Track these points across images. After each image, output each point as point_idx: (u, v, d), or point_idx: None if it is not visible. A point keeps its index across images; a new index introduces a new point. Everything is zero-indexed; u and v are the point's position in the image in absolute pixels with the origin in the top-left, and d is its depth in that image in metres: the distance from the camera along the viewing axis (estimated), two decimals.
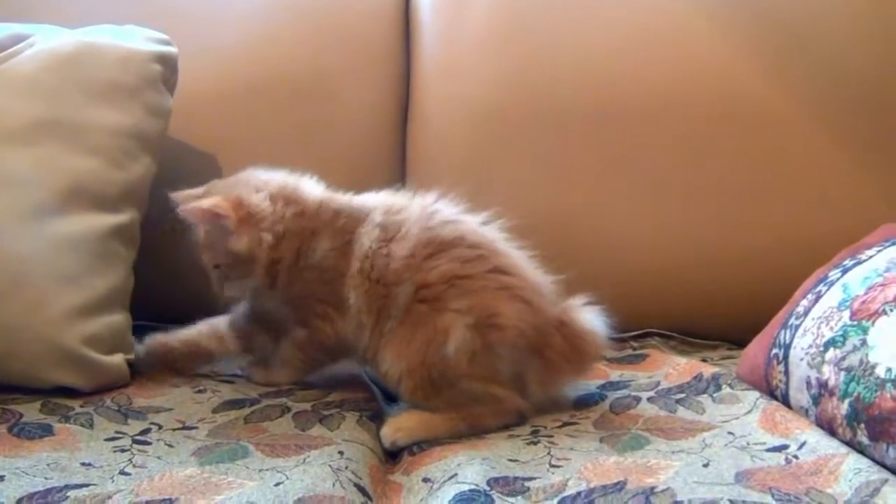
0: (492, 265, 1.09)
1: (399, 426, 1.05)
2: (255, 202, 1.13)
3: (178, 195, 1.15)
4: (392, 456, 1.03)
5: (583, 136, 1.45)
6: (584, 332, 1.10)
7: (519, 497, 0.86)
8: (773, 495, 0.84)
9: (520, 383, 1.08)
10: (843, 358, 0.98)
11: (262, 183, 1.17)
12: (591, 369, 1.17)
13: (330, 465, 0.90)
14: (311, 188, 1.19)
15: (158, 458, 0.95)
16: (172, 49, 1.35)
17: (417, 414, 1.07)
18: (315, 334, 1.15)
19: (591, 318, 1.11)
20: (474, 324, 1.04)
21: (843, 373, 0.97)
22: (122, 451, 0.96)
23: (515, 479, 0.90)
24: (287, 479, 0.87)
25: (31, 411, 1.06)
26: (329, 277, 1.12)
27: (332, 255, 1.13)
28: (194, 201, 1.13)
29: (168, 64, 1.33)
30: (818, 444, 0.93)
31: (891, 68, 1.45)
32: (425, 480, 0.92)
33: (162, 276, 1.36)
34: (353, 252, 1.12)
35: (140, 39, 1.32)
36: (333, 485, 0.87)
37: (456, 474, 0.90)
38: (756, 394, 1.09)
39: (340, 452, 0.94)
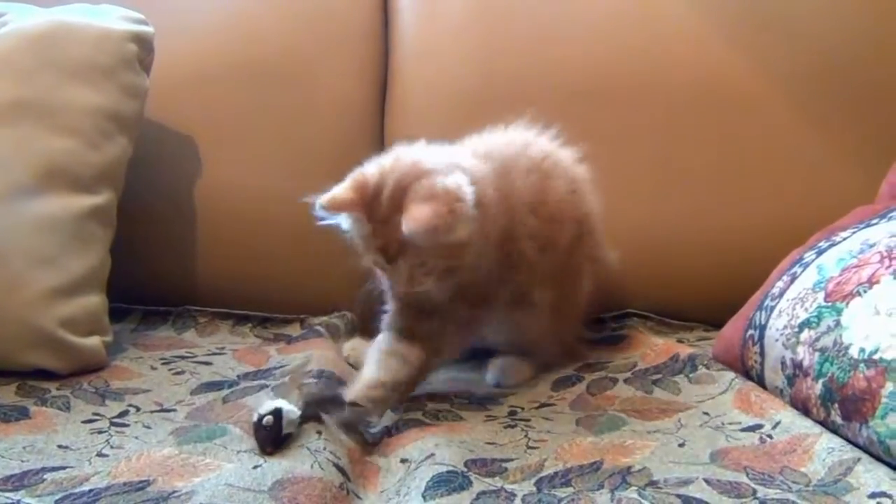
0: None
1: (503, 369, 1.17)
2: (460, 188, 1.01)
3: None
4: (371, 437, 1.03)
5: (560, 119, 1.44)
6: None
7: (497, 477, 0.87)
8: (747, 474, 0.85)
9: None
10: (818, 339, 0.99)
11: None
12: None
13: (308, 448, 0.90)
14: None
15: (136, 438, 0.95)
16: (148, 29, 1.33)
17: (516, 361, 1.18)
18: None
19: None
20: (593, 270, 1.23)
21: (817, 353, 0.98)
22: (100, 432, 0.96)
23: (493, 460, 0.90)
24: (265, 460, 0.88)
25: (7, 394, 1.06)
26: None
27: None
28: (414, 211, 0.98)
29: (144, 44, 1.32)
30: (792, 423, 0.94)
31: (869, 52, 1.46)
32: (403, 461, 0.93)
33: (139, 258, 1.36)
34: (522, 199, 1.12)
35: (115, 19, 1.31)
36: (312, 466, 0.87)
37: (433, 454, 0.90)
38: (731, 374, 1.10)
39: (318, 433, 0.94)
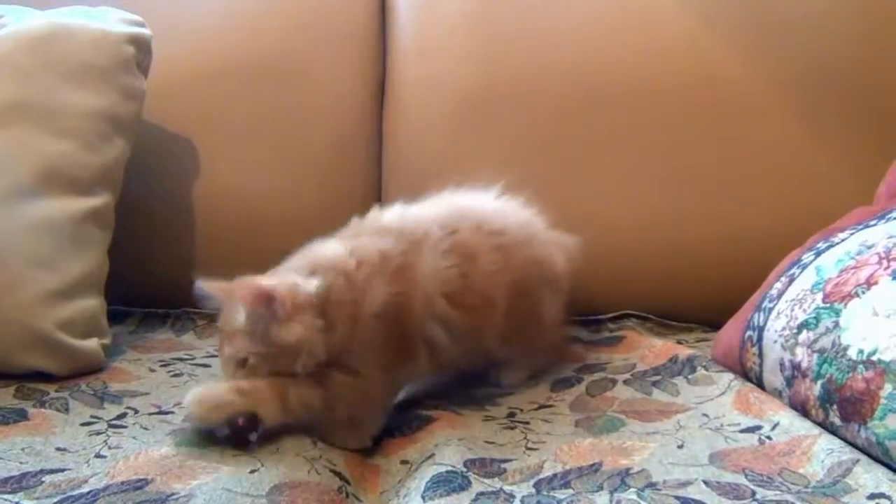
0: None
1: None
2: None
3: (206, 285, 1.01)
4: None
5: (558, 120, 1.45)
6: None
7: (496, 478, 0.87)
8: (746, 476, 0.85)
9: None
10: (816, 340, 0.99)
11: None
12: None
13: (304, 456, 0.90)
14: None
15: (134, 438, 0.95)
16: (146, 31, 1.33)
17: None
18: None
19: None
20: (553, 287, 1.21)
21: (815, 355, 0.98)
22: (98, 434, 0.96)
23: (492, 460, 0.90)
24: (262, 465, 0.87)
25: (5, 396, 1.05)
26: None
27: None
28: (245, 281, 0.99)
29: (141, 46, 1.32)
30: (791, 425, 0.94)
31: (866, 53, 1.46)
32: (403, 462, 0.93)
33: (137, 260, 1.35)
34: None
35: (113, 21, 1.31)
36: (309, 472, 0.87)
37: (433, 454, 0.90)
38: (730, 376, 1.10)
39: (314, 442, 0.94)
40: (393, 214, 1.12)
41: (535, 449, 0.94)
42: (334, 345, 0.98)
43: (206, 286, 1.00)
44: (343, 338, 0.98)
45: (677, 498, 0.81)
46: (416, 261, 1.05)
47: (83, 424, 0.99)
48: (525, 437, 0.97)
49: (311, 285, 0.98)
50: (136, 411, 1.04)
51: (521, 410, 1.06)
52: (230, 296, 0.98)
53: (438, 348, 1.06)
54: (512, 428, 1.01)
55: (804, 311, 1.03)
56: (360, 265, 1.01)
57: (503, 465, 0.89)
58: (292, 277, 0.99)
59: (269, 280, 0.99)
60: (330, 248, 1.05)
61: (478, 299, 1.07)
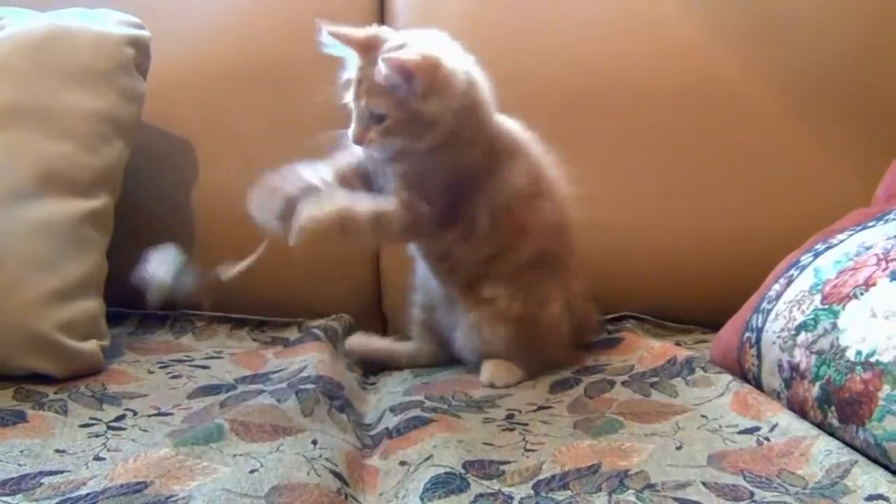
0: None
1: (499, 373, 1.18)
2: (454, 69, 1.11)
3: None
4: (371, 440, 1.03)
5: (556, 123, 1.44)
6: None
7: (494, 480, 0.87)
8: (745, 477, 0.85)
9: None
10: (815, 341, 0.99)
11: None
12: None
13: (304, 456, 0.90)
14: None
15: (133, 440, 0.95)
16: (145, 33, 1.34)
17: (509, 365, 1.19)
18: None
19: None
20: (566, 302, 1.22)
21: (814, 356, 0.98)
22: (97, 436, 0.96)
23: (491, 462, 0.90)
24: (262, 466, 0.87)
25: (3, 398, 1.06)
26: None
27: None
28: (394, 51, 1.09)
29: (141, 48, 1.32)
30: (789, 426, 0.94)
31: (865, 53, 1.46)
32: (402, 464, 0.93)
33: (136, 262, 1.35)
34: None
35: (112, 23, 1.31)
36: (308, 473, 0.86)
37: (432, 456, 0.90)
38: (729, 377, 1.10)
39: (314, 442, 0.94)
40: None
41: (533, 450, 0.94)
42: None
43: (338, 32, 1.12)
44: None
45: (676, 499, 0.81)
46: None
47: (82, 426, 0.99)
48: (524, 439, 0.97)
49: (460, 72, 1.11)
50: (135, 413, 1.04)
51: (520, 412, 1.06)
52: (372, 48, 1.10)
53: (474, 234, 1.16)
54: (511, 430, 1.01)
55: (802, 312, 1.03)
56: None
57: (502, 467, 0.89)
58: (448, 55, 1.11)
59: (416, 56, 1.06)
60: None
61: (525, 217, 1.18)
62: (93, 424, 1.00)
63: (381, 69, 1.05)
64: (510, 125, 1.20)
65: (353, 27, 1.13)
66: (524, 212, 1.16)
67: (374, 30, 1.13)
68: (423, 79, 1.06)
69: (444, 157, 1.12)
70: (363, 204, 1.11)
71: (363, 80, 1.10)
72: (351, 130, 1.13)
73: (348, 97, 1.12)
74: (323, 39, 1.12)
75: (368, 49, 1.10)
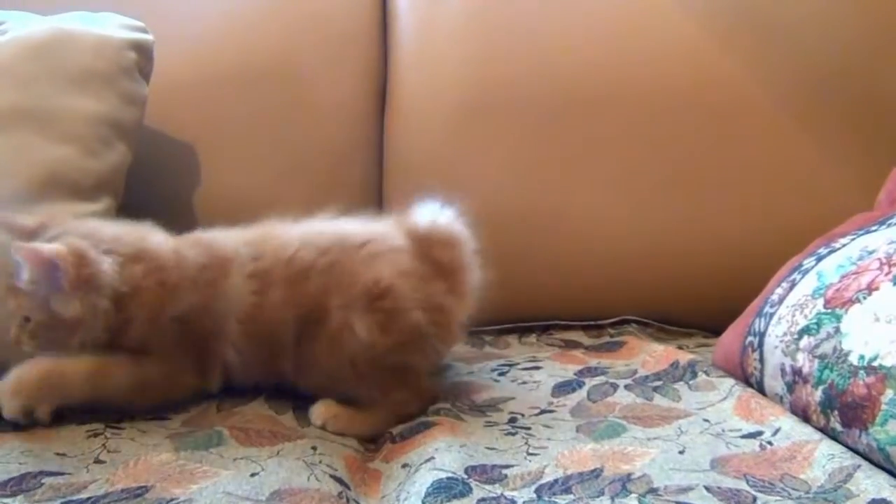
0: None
1: (335, 413, 1.04)
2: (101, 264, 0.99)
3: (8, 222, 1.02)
4: (371, 442, 1.03)
5: (558, 125, 1.45)
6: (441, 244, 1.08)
7: (496, 485, 0.86)
8: (747, 481, 0.85)
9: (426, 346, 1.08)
10: (817, 345, 0.99)
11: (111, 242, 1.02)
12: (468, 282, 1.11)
13: (304, 461, 0.90)
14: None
15: (132, 439, 0.95)
16: (148, 36, 1.33)
17: (350, 410, 1.05)
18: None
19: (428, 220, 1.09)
20: (366, 306, 1.03)
21: (816, 360, 0.98)
22: (96, 435, 0.96)
23: (493, 466, 0.90)
24: (262, 469, 0.87)
25: None
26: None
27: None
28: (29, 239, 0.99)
29: (143, 51, 1.32)
30: (792, 430, 0.94)
31: (864, 57, 1.46)
32: (404, 466, 0.92)
33: None
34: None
35: (115, 27, 1.31)
36: (308, 478, 0.86)
37: (433, 458, 0.90)
38: (731, 381, 1.10)
39: (314, 448, 0.94)
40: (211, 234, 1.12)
41: (536, 454, 0.94)
42: (128, 334, 1.00)
43: (9, 222, 1.01)
44: (139, 329, 1.00)
45: (678, 503, 0.80)
46: (223, 279, 1.05)
47: (80, 424, 0.99)
48: (526, 443, 0.97)
49: (107, 264, 0.98)
50: (132, 417, 1.03)
51: (523, 416, 1.06)
52: (18, 251, 0.96)
53: (231, 367, 1.06)
54: (513, 434, 1.00)
55: (805, 316, 1.03)
56: (179, 266, 1.04)
57: (504, 472, 0.89)
58: (92, 249, 0.98)
59: (60, 246, 0.96)
60: (158, 237, 1.07)
61: (266, 328, 1.05)
62: (93, 425, 0.99)
63: (22, 266, 0.95)
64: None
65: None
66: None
67: (46, 217, 1.03)
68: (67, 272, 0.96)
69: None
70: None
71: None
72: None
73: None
74: None
75: (32, 238, 1.00)
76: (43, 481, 0.85)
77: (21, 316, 0.99)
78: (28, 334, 0.99)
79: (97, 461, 0.90)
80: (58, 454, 0.92)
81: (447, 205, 1.10)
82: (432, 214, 1.10)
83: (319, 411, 1.04)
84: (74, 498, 0.82)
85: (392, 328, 1.03)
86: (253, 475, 0.86)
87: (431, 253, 1.08)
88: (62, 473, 0.87)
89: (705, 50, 1.46)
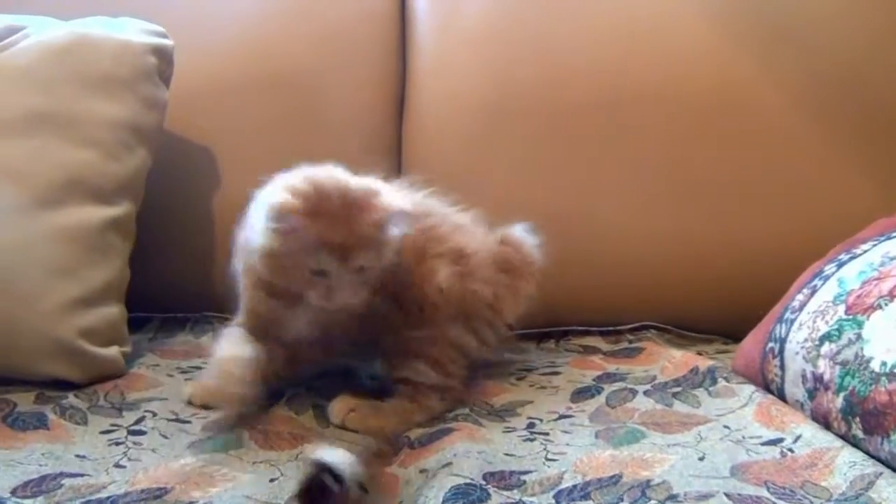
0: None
1: (353, 406, 1.06)
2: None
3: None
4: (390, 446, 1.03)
5: (577, 131, 1.45)
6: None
7: (515, 490, 0.86)
8: (768, 489, 0.85)
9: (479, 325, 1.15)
10: (839, 352, 0.98)
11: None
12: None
13: None
14: None
15: (153, 450, 0.95)
16: (168, 41, 1.34)
17: (369, 405, 1.07)
18: None
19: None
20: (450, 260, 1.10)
21: (838, 367, 0.97)
22: (117, 444, 0.96)
23: (511, 473, 0.90)
24: (282, 474, 0.87)
25: (25, 402, 1.06)
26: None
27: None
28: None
29: (164, 56, 1.33)
30: (813, 437, 0.94)
31: (884, 60, 1.45)
32: (422, 471, 0.92)
33: (158, 268, 1.36)
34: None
35: (135, 31, 1.32)
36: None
37: (451, 463, 0.90)
38: (751, 387, 1.09)
39: None
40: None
41: (554, 460, 0.94)
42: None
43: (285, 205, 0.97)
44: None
45: None
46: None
47: (102, 433, 0.99)
48: (545, 448, 0.97)
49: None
50: (155, 414, 1.04)
51: (541, 421, 1.06)
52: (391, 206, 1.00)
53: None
54: (531, 440, 1.00)
55: (826, 322, 1.02)
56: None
57: (522, 478, 0.89)
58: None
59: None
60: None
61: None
62: (113, 431, 1.00)
63: (392, 219, 1.00)
64: None
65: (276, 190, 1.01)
66: None
67: (291, 187, 1.01)
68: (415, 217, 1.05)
69: None
70: None
71: (342, 239, 0.98)
72: (331, 297, 1.00)
73: (313, 268, 0.99)
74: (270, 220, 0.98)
75: (314, 209, 0.99)
76: (63, 482, 0.85)
77: (354, 267, 0.98)
78: (362, 284, 0.99)
79: (117, 465, 0.90)
80: (78, 456, 0.92)
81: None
82: (516, 227, 1.21)
83: (338, 408, 1.06)
84: (93, 498, 0.82)
85: (464, 285, 1.09)
86: (272, 480, 0.86)
87: (504, 249, 1.18)
88: (82, 475, 0.87)
89: (723, 53, 1.46)
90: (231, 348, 1.05)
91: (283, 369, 1.08)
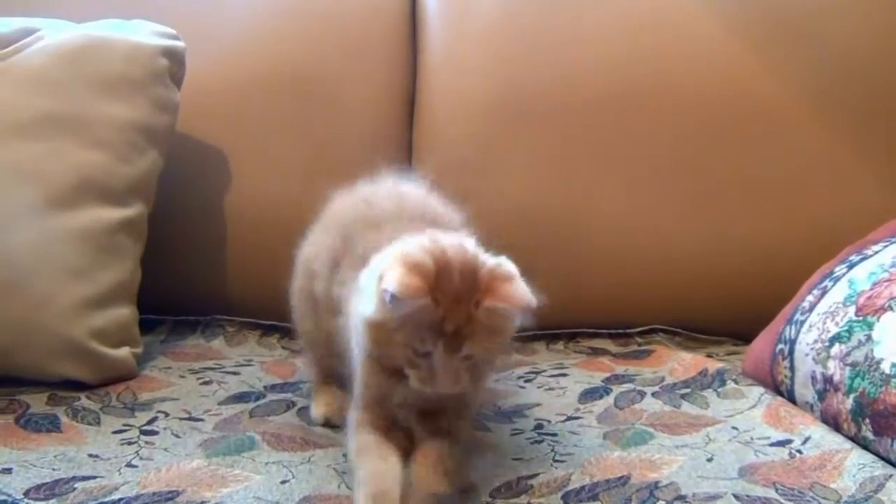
0: None
1: (327, 402, 1.06)
2: None
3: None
4: None
5: (587, 129, 1.45)
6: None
7: (522, 496, 0.86)
8: (776, 490, 0.85)
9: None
10: (849, 353, 0.98)
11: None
12: None
13: (335, 469, 0.90)
14: None
15: (165, 450, 0.95)
16: (180, 43, 1.35)
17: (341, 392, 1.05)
18: None
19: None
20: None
21: (848, 368, 0.97)
22: (129, 443, 0.97)
23: (519, 479, 0.89)
24: (293, 477, 0.88)
25: (37, 403, 1.07)
26: None
27: None
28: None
29: (175, 58, 1.34)
30: (822, 439, 0.94)
31: (892, 56, 1.45)
32: None
33: (170, 268, 1.37)
34: None
35: (147, 34, 1.33)
36: (339, 486, 0.87)
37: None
38: (760, 389, 1.09)
39: (344, 455, 0.94)
40: None
41: (562, 461, 0.94)
42: None
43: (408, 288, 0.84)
44: None
45: None
46: None
47: (115, 432, 1.00)
48: (552, 450, 0.97)
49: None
50: (167, 414, 1.05)
51: (549, 422, 1.06)
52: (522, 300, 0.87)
53: None
54: (539, 441, 1.00)
55: (836, 324, 1.02)
56: None
57: (530, 482, 0.89)
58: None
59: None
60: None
61: None
62: (125, 430, 1.01)
63: (512, 313, 0.88)
64: None
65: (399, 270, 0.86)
66: None
67: (412, 261, 0.87)
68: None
69: None
70: None
71: (456, 326, 0.87)
72: (434, 384, 0.89)
73: (420, 351, 0.88)
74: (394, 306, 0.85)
75: (434, 289, 0.87)
76: (76, 486, 0.86)
77: (461, 357, 0.87)
78: (465, 370, 0.88)
79: (129, 465, 0.91)
80: (90, 456, 0.93)
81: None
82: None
83: (318, 408, 1.06)
84: (106, 499, 0.83)
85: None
86: (283, 482, 0.86)
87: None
88: (94, 477, 0.88)
89: (734, 54, 1.46)
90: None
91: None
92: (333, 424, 1.03)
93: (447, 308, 0.85)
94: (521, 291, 0.87)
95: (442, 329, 0.85)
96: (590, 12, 1.52)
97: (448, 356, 0.86)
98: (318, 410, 1.07)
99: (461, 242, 0.90)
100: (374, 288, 0.86)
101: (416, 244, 0.89)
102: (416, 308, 0.84)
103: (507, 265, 0.89)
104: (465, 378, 0.88)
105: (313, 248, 1.08)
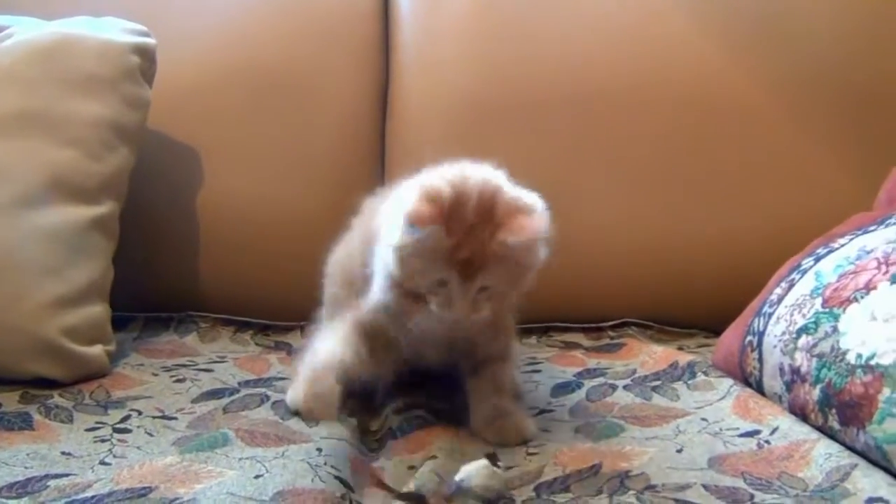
0: None
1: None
2: None
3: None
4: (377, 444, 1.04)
5: (561, 127, 1.46)
6: None
7: None
8: (745, 480, 0.86)
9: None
10: (815, 345, 0.99)
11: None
12: None
13: (308, 462, 0.90)
14: None
15: (138, 448, 0.95)
16: (151, 40, 1.34)
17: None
18: None
19: None
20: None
21: (815, 359, 0.98)
22: (102, 441, 0.97)
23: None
24: (267, 471, 0.88)
25: (9, 401, 1.06)
26: None
27: None
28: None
29: (146, 55, 1.33)
30: (790, 429, 0.95)
31: (867, 58, 1.47)
32: (410, 468, 0.92)
33: (142, 267, 1.37)
34: None
35: (118, 31, 1.32)
36: (313, 480, 0.87)
37: (435, 456, 0.92)
38: (730, 381, 1.10)
39: (318, 450, 0.94)
40: None
41: (535, 454, 0.95)
42: None
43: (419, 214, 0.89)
44: None
45: (676, 500, 0.81)
46: None
47: (88, 430, 1.00)
48: (525, 443, 0.98)
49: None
50: (140, 413, 1.05)
51: None
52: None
53: None
54: None
55: (804, 315, 1.04)
56: None
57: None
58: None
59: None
60: None
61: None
62: (98, 428, 1.00)
63: (514, 247, 0.91)
64: None
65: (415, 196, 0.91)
66: None
67: (432, 190, 0.92)
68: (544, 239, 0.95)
69: None
70: None
71: (470, 254, 0.91)
72: (452, 310, 0.94)
73: (437, 281, 0.93)
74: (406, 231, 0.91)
75: (448, 218, 0.91)
76: (48, 483, 0.86)
77: (476, 286, 0.91)
78: (485, 301, 0.93)
79: (102, 463, 0.91)
80: (63, 454, 0.93)
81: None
82: None
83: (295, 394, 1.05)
84: (78, 497, 0.82)
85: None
86: (257, 476, 0.86)
87: None
88: (67, 475, 0.88)
89: (709, 52, 1.47)
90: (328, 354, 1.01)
91: (372, 367, 1.03)
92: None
93: (460, 237, 0.89)
94: (534, 225, 0.90)
95: (455, 257, 0.89)
96: (561, 11, 1.53)
97: (463, 285, 0.91)
98: None
99: (488, 175, 0.94)
100: (398, 217, 0.91)
101: (440, 174, 0.94)
102: (428, 235, 0.89)
103: (529, 198, 0.94)
104: (485, 308, 0.93)
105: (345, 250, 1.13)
